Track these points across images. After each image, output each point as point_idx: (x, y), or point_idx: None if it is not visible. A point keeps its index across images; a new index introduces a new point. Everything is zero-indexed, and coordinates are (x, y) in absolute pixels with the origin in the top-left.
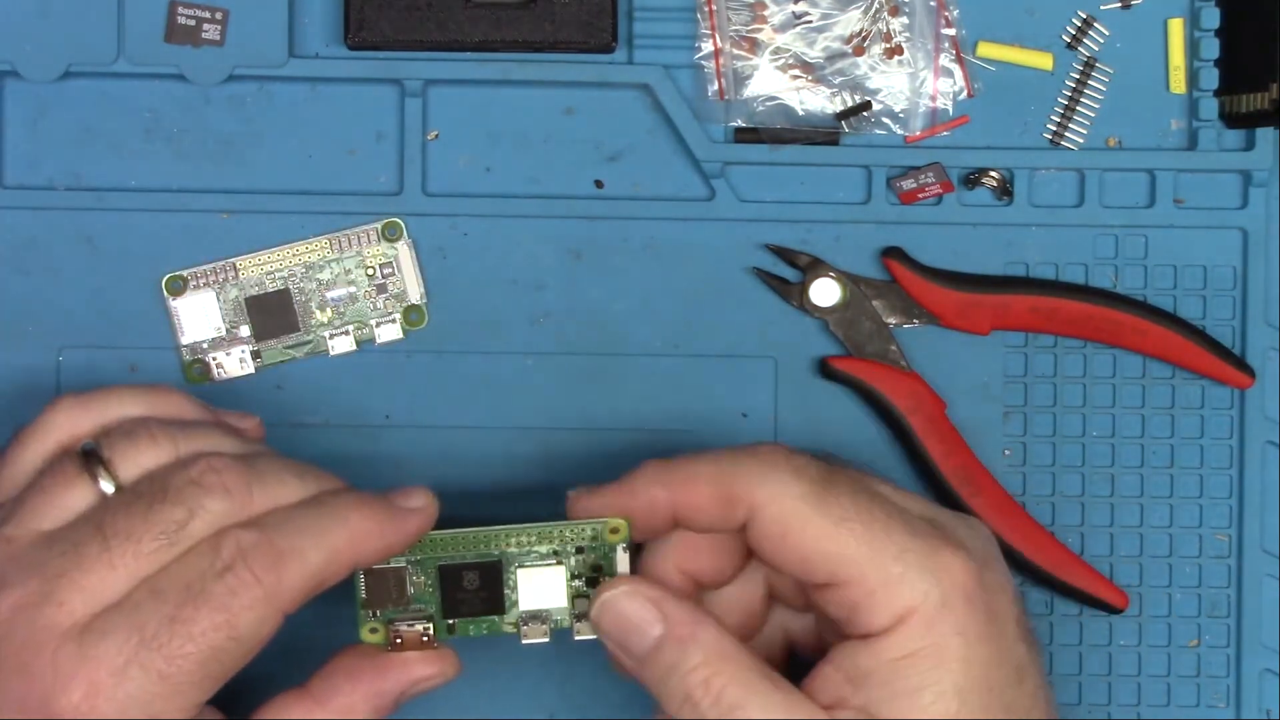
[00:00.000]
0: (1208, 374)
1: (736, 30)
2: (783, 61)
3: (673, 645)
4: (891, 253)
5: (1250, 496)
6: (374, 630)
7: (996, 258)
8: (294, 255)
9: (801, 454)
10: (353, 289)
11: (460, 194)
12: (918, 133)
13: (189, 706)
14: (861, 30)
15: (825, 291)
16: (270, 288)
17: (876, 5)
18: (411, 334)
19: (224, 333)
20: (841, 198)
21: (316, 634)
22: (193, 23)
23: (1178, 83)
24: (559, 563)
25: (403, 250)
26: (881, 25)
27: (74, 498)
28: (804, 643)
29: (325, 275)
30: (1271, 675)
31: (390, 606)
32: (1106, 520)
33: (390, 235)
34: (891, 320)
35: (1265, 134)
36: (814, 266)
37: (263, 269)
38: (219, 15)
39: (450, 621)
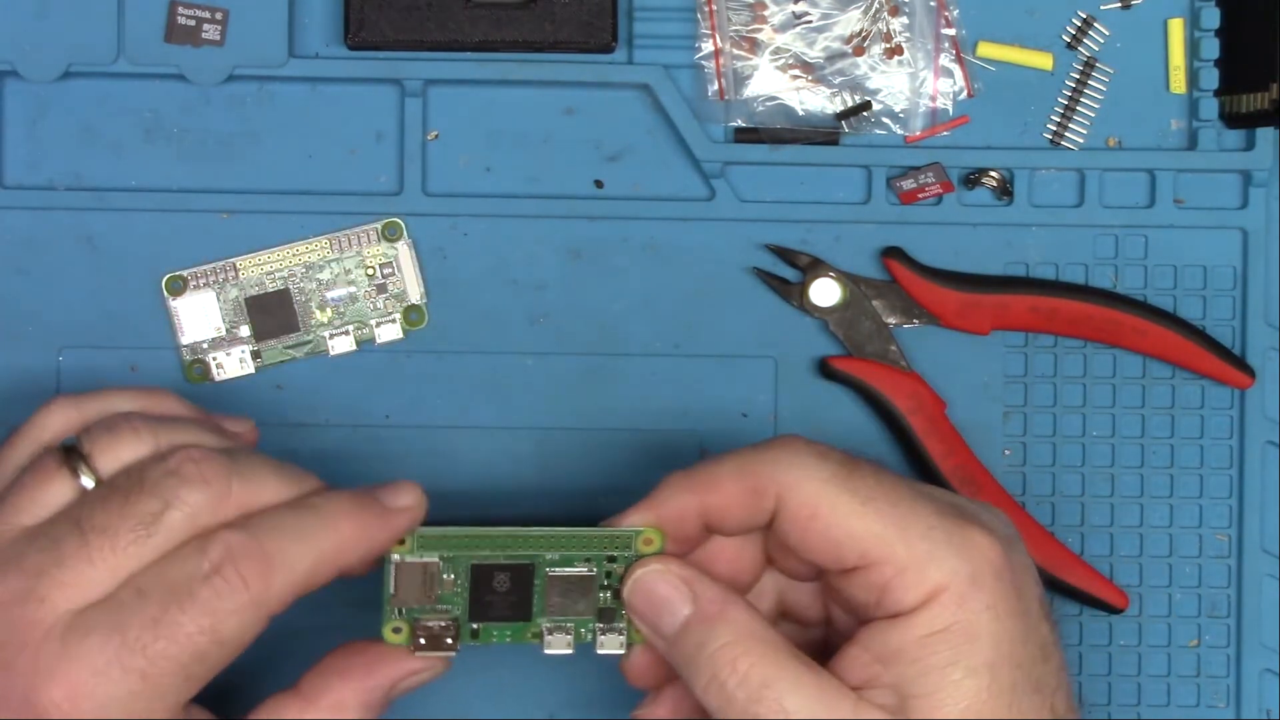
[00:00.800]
0: (1208, 374)
1: (736, 30)
2: (783, 61)
3: (701, 624)
4: (891, 253)
5: (1250, 496)
6: (397, 630)
7: (996, 258)
8: (294, 255)
9: (821, 442)
10: (353, 289)
11: (460, 194)
12: (918, 133)
13: (171, 706)
14: (861, 30)
15: (825, 291)
16: (270, 288)
17: (876, 5)
18: (411, 334)
19: (224, 333)
20: (841, 198)
21: (308, 628)
22: (193, 23)
23: (1178, 83)
24: (591, 571)
25: (403, 250)
26: (881, 25)
27: (54, 493)
28: (797, 613)
29: (325, 275)
30: (1271, 675)
31: (417, 603)
32: (1106, 520)
33: (390, 235)
34: (891, 320)
35: (1265, 134)
36: (814, 266)
37: (263, 269)
38: (219, 15)
39: (475, 626)
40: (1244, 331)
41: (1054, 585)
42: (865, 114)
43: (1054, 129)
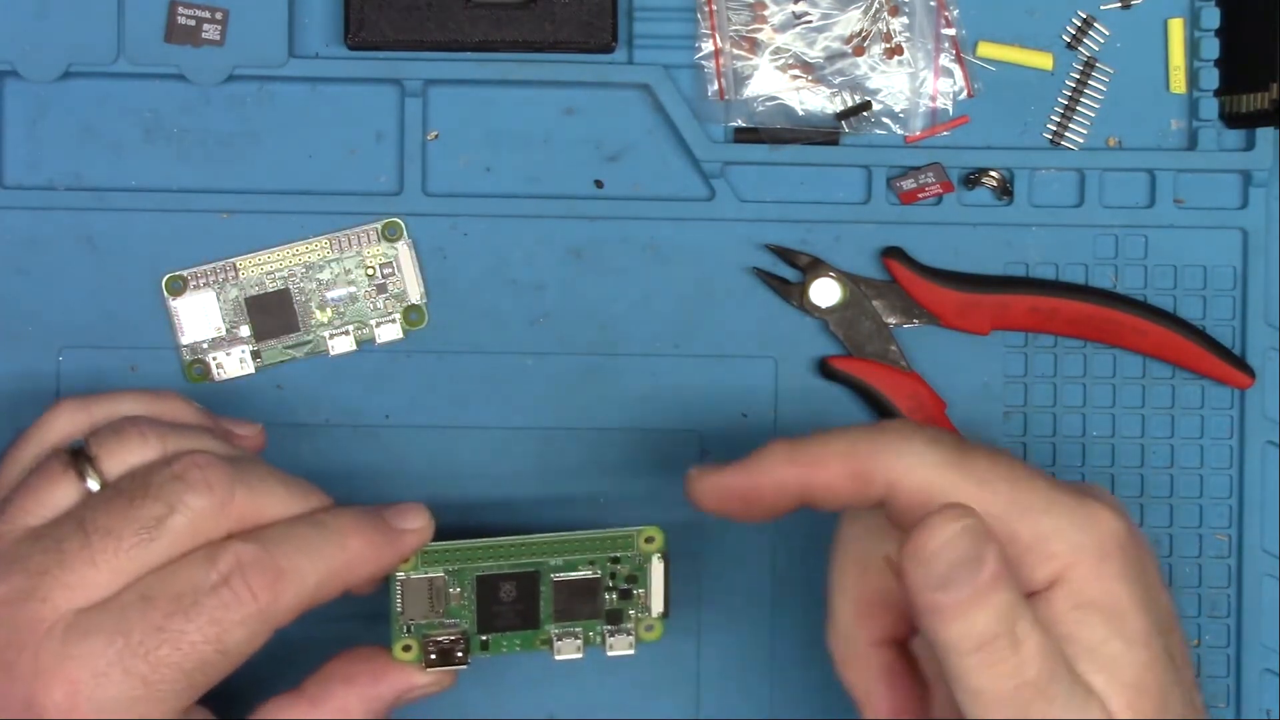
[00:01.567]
0: (1208, 374)
1: (736, 30)
2: (783, 61)
3: (1002, 587)
4: (891, 253)
5: (1250, 496)
6: (407, 648)
7: (996, 258)
8: (294, 255)
9: (930, 425)
10: (353, 289)
11: (460, 194)
12: (918, 133)
13: (171, 710)
14: (861, 30)
15: (825, 291)
16: (270, 288)
17: (876, 5)
18: (411, 334)
19: (224, 333)
20: (841, 198)
21: (314, 637)
22: (193, 23)
23: (1178, 83)
24: (596, 574)
25: (403, 250)
26: (881, 25)
27: (60, 495)
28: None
29: (325, 275)
30: (1271, 675)
31: (425, 619)
32: None
33: (390, 235)
34: (891, 320)
35: (1265, 134)
36: (814, 266)
37: (263, 269)
38: (219, 15)
39: (484, 638)
40: (1244, 331)
41: None
42: (865, 114)
43: (1054, 129)
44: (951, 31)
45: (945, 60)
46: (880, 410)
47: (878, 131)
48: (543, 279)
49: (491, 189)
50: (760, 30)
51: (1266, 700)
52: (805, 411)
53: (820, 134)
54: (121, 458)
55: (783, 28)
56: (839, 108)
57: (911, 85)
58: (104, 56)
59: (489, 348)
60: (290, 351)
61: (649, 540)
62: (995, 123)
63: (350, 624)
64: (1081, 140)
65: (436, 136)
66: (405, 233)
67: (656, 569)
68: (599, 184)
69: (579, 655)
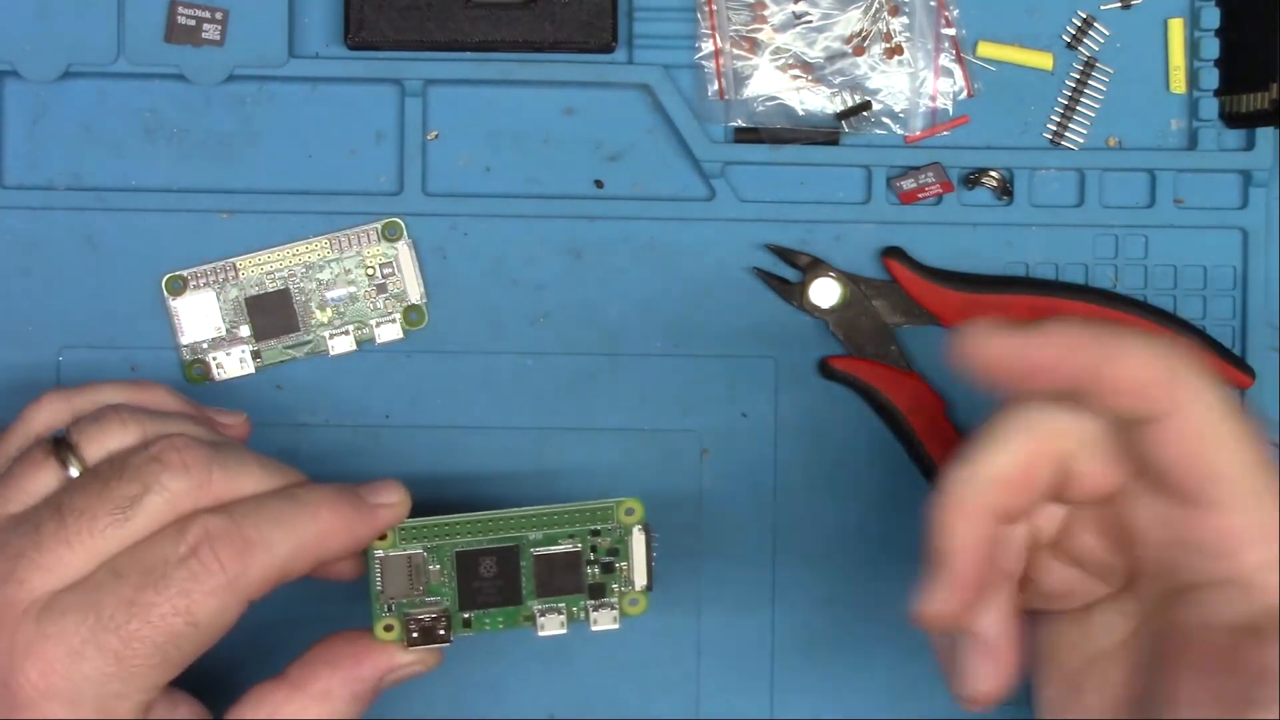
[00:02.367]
0: None
1: (736, 30)
2: (783, 61)
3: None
4: (891, 253)
5: None
6: (389, 627)
7: (996, 258)
8: (294, 255)
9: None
10: (353, 289)
11: (460, 194)
12: (918, 133)
13: (146, 688)
14: (861, 30)
15: (825, 291)
16: (270, 288)
17: (876, 5)
18: (411, 334)
19: (224, 333)
20: (841, 198)
21: (297, 618)
22: (193, 23)
23: (1178, 83)
24: (576, 547)
25: (403, 250)
26: (881, 25)
27: (41, 482)
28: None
29: (325, 275)
30: None
31: (405, 597)
32: None
33: (390, 235)
34: (891, 320)
35: (1265, 134)
36: (814, 266)
37: (262, 269)
38: (219, 15)
39: (466, 615)
40: (1244, 331)
41: None
42: (865, 114)
43: (1054, 129)
44: (951, 31)
45: (945, 60)
46: (881, 410)
47: (878, 131)
48: (543, 279)
49: (491, 189)
50: (760, 30)
51: None
52: (805, 411)
53: (820, 134)
54: (101, 443)
55: (783, 28)
56: (839, 108)
57: (911, 85)
58: (104, 56)
59: (489, 348)
60: (290, 351)
61: (629, 512)
62: (995, 123)
63: (334, 606)
64: (1081, 140)
65: (436, 136)
66: (405, 233)
67: (638, 541)
68: (599, 184)
69: (563, 631)
